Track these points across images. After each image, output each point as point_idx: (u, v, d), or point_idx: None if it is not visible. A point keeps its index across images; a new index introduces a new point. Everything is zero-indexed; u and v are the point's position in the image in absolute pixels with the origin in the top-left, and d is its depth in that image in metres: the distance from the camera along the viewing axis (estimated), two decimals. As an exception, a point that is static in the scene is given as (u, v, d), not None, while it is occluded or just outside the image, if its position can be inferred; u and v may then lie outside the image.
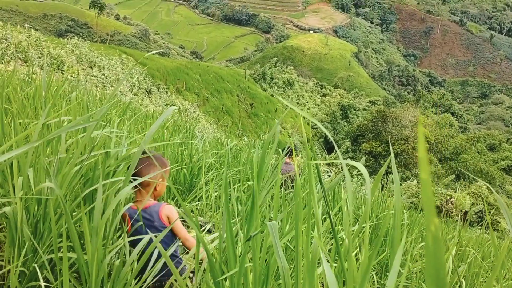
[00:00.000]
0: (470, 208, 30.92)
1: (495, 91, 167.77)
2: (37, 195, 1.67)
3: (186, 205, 4.13)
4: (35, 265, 1.61)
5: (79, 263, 1.62)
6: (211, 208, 4.41)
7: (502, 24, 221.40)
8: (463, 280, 3.60)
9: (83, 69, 30.19)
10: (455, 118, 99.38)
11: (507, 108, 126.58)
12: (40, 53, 26.02)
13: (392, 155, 1.34)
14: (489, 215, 33.95)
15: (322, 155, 54.38)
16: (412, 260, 4.24)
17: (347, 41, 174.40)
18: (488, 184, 1.42)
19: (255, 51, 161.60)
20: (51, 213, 1.52)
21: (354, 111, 73.93)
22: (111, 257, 1.80)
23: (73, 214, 1.80)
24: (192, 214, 4.18)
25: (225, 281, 1.47)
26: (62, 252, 1.68)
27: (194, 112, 39.04)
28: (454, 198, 28.32)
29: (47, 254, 1.70)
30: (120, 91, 29.83)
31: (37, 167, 1.74)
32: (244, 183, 4.60)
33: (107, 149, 1.81)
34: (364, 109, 77.43)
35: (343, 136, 64.71)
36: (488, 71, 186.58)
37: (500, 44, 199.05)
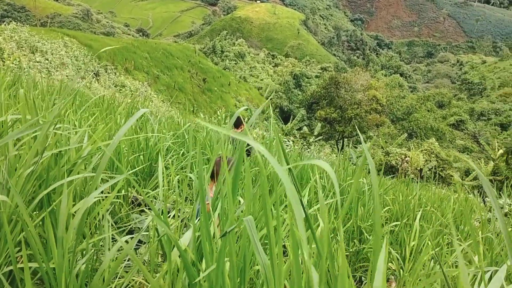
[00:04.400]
0: (424, 165, 32.01)
1: (440, 50, 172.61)
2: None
3: (147, 192, 4.02)
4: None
5: (42, 272, 1.52)
6: (173, 192, 4.31)
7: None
8: (429, 242, 3.69)
9: (24, 55, 28.87)
10: (404, 79, 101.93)
11: (453, 65, 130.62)
12: (-24, 42, 24.70)
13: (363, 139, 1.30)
14: (442, 170, 35.38)
15: (278, 125, 54.72)
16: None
17: (295, 9, 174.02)
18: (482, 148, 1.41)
19: (203, 24, 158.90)
20: (5, 224, 1.40)
21: (306, 79, 74.44)
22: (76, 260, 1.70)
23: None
24: (153, 200, 4.07)
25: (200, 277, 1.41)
26: (21, 262, 1.58)
27: (145, 91, 38.20)
28: (409, 157, 29.21)
29: (5, 267, 1.59)
30: (67, 75, 28.81)
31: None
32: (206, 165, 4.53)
33: (61, 148, 1.69)
34: (316, 76, 78.06)
35: (298, 105, 65.23)
36: (432, 30, 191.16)
37: (443, 3, 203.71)
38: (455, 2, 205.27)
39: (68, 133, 1.92)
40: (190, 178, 4.23)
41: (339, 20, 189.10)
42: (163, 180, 3.28)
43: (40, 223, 1.76)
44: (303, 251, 1.00)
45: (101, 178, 2.92)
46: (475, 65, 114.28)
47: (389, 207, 5.08)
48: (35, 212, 1.78)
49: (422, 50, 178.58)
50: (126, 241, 2.49)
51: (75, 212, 1.80)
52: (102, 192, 2.79)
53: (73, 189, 1.80)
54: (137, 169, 4.09)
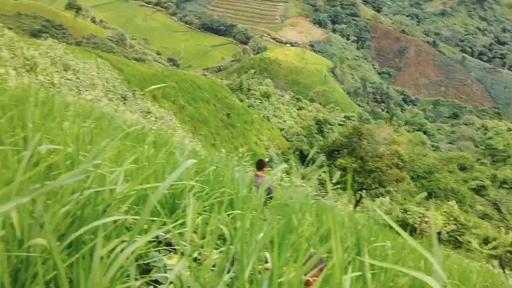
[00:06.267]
0: (442, 228, 31.30)
1: (466, 112, 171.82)
2: (20, 244, 1.46)
3: (171, 230, 3.90)
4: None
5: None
6: (195, 232, 4.19)
7: (473, 47, 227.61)
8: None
9: (57, 71, 29.55)
10: (427, 137, 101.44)
11: (477, 129, 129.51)
12: (13, 54, 25.42)
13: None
14: (460, 234, 34.52)
15: (297, 168, 54.50)
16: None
17: (324, 56, 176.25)
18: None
19: (233, 61, 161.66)
20: (39, 266, 1.32)
21: (329, 126, 74.52)
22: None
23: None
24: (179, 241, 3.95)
25: None
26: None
27: (170, 120, 38.62)
28: (429, 218, 28.62)
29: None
30: (95, 96, 29.31)
31: (20, 207, 1.53)
32: (229, 210, 4.42)
33: (98, 188, 1.62)
34: (339, 124, 78.12)
35: (319, 150, 65.10)
36: (459, 92, 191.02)
37: (471, 67, 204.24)
38: (484, 67, 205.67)
39: (105, 171, 1.85)
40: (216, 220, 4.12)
41: (366, 72, 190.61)
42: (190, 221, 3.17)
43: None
44: None
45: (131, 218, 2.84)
46: (501, 131, 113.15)
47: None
48: (64, 251, 1.69)
49: (447, 110, 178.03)
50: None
51: (106, 254, 1.71)
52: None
53: (104, 230, 1.72)
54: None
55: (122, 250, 1.82)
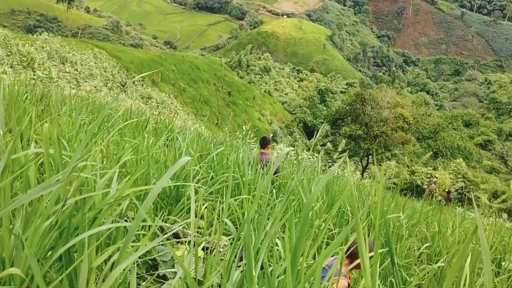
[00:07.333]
0: (451, 186, 31.22)
1: (468, 68, 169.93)
2: (3, 265, 1.33)
3: (174, 220, 3.80)
4: None
5: None
6: (201, 218, 4.08)
7: (473, 1, 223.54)
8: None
9: (54, 65, 29.33)
10: (431, 96, 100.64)
11: (480, 84, 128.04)
12: (9, 51, 25.21)
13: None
14: (469, 191, 34.48)
15: (302, 140, 54.39)
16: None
17: (321, 25, 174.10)
18: None
19: (230, 38, 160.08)
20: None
21: (331, 95, 73.98)
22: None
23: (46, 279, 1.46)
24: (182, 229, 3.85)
25: None
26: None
27: (171, 103, 38.44)
28: (437, 178, 28.49)
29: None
30: (95, 86, 29.13)
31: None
32: (235, 193, 4.31)
33: (85, 195, 1.48)
34: (342, 92, 77.57)
35: (322, 120, 64.81)
36: (460, 48, 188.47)
37: (471, 21, 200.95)
38: (484, 21, 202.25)
39: (94, 174, 1.70)
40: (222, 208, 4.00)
41: (365, 36, 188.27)
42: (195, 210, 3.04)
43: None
44: None
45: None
46: (504, 84, 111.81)
47: (428, 244, 4.74)
48: (53, 265, 1.56)
49: (449, 68, 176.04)
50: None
51: (98, 266, 1.58)
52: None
53: (97, 238, 1.59)
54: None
55: (117, 260, 1.69)
